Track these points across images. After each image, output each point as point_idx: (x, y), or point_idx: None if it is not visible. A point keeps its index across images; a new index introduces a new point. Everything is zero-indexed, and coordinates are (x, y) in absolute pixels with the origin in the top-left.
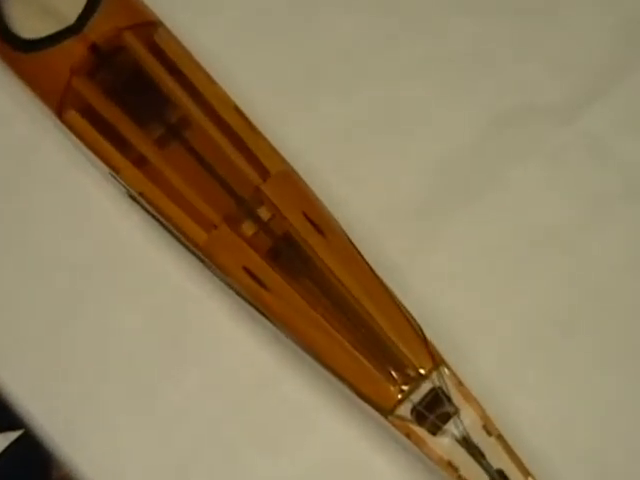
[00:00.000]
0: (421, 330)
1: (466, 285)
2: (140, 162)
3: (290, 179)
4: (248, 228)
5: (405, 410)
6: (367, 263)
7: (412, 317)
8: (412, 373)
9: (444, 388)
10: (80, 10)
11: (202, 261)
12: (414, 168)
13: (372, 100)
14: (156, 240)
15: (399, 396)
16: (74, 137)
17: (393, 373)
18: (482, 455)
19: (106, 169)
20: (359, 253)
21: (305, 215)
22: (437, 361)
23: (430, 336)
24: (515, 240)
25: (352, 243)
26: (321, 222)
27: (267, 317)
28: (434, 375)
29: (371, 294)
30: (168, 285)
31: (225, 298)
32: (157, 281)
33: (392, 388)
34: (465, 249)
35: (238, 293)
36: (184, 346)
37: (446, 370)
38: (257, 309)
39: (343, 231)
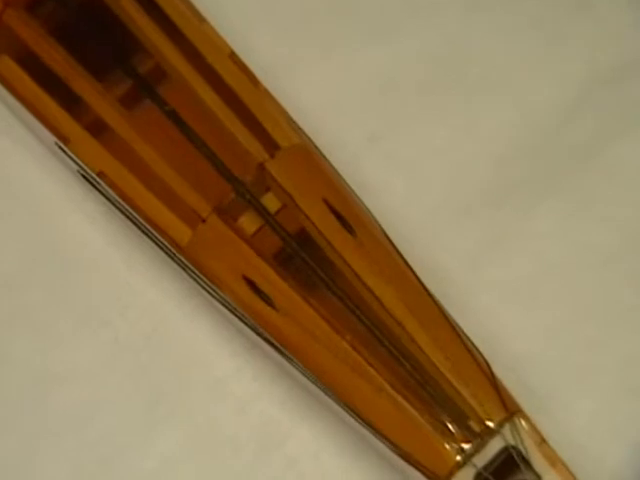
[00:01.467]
0: (488, 367)
1: (550, 306)
2: (98, 129)
3: (306, 156)
4: (249, 222)
5: (467, 478)
6: (413, 272)
7: (476, 349)
8: (476, 426)
9: (520, 447)
10: None
11: (185, 269)
12: (480, 143)
13: (421, 46)
14: (120, 240)
15: (458, 458)
16: (7, 93)
17: (450, 426)
18: None
19: (51, 138)
20: (402, 259)
21: (327, 205)
22: (511, 410)
23: (501, 376)
24: (619, 244)
25: (393, 245)
26: (349, 215)
27: (275, 347)
28: (507, 429)
29: (419, 316)
30: (137, 305)
31: (217, 321)
32: (121, 299)
33: (448, 447)
34: (549, 256)
35: (235, 313)
36: (158, 393)
37: (523, 422)
38: (260, 335)
39: (380, 228)
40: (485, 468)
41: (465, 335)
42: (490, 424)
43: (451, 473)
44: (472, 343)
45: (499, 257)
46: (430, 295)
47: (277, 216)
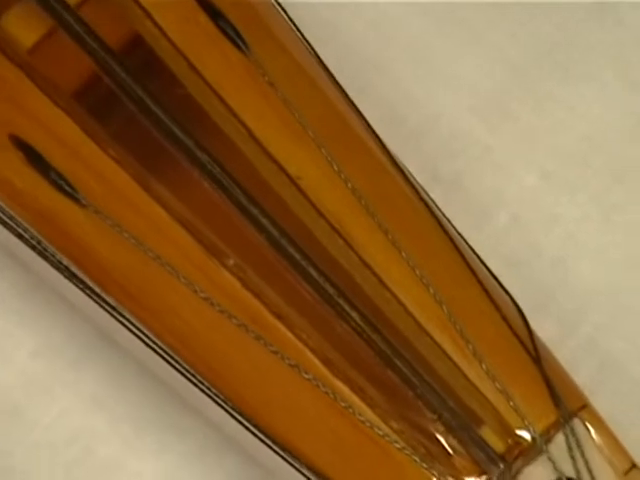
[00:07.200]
0: (529, 331)
1: None
2: None
3: None
4: (24, 23)
5: None
6: (378, 139)
7: (511, 301)
8: (499, 444)
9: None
10: None
11: None
12: None
13: None
14: None
15: None
16: None
17: (452, 448)
18: None
19: None
20: (351, 106)
21: None
22: (573, 408)
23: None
24: None
25: (329, 74)
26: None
27: (85, 288)
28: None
29: (393, 229)
30: None
31: None
32: None
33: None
34: None
35: None
36: None
37: (591, 428)
38: (53, 264)
39: (297, 33)
40: None
41: (487, 270)
42: (525, 435)
43: None
44: (501, 285)
45: None
46: (411, 184)
47: (83, 9)
